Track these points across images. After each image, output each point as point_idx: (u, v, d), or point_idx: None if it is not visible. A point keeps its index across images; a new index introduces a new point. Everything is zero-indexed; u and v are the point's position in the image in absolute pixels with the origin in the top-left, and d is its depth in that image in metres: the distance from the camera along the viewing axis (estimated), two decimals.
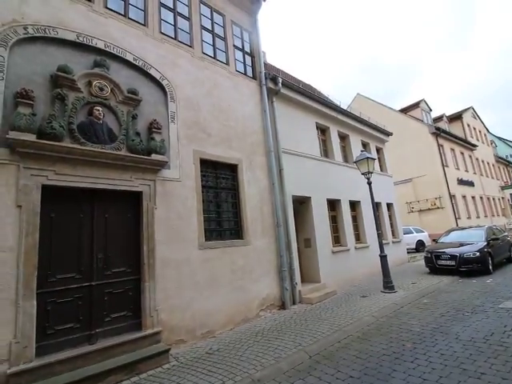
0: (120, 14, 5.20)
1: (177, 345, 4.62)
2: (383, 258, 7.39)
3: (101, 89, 4.50)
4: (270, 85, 7.67)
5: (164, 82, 5.45)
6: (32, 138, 3.69)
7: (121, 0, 5.31)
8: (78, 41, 4.51)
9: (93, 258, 4.16)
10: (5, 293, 3.35)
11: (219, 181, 6.09)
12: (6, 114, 3.66)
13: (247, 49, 7.73)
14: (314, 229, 7.95)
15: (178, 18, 6.17)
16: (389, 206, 12.08)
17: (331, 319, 5.42)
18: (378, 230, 7.70)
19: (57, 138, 3.90)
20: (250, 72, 7.57)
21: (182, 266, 4.96)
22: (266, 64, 9.08)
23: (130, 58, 5.04)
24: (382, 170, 12.35)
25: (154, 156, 4.82)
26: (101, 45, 4.75)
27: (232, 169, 6.34)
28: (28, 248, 3.56)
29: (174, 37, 5.96)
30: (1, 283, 3.34)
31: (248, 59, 7.66)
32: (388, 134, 12.85)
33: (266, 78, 7.61)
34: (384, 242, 8.71)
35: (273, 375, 3.61)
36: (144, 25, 5.50)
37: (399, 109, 22.55)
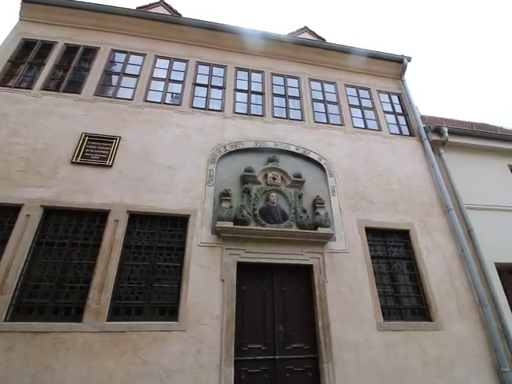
0: (283, 118, 6.49)
1: None
2: None
3: (274, 178, 5.46)
4: (434, 137, 6.91)
5: (322, 162, 6.00)
6: (230, 224, 4.78)
7: (283, 107, 6.68)
8: (256, 146, 5.87)
9: (274, 331, 4.45)
10: (213, 356, 4.01)
11: (390, 249, 5.51)
12: (215, 209, 4.99)
13: (398, 110, 7.56)
14: None
15: (328, 105, 7.00)
16: None
17: None
18: None
19: (246, 223, 4.89)
20: (405, 131, 7.20)
21: (361, 350, 4.44)
22: (423, 117, 8.43)
23: (293, 148, 6.00)
24: None
25: (319, 229, 5.07)
26: (271, 145, 5.96)
27: (403, 235, 5.66)
28: (228, 317, 4.26)
29: (326, 122, 6.71)
30: (210, 347, 4.05)
31: (401, 119, 7.40)
32: None
33: (426, 132, 6.98)
34: None
35: None
36: (301, 120, 6.56)
37: None
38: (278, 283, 4.79)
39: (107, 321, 3.91)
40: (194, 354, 3.93)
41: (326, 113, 6.86)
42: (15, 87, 5.60)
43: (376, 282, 5.03)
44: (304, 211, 5.29)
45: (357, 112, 7.12)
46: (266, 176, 5.48)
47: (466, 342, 4.88)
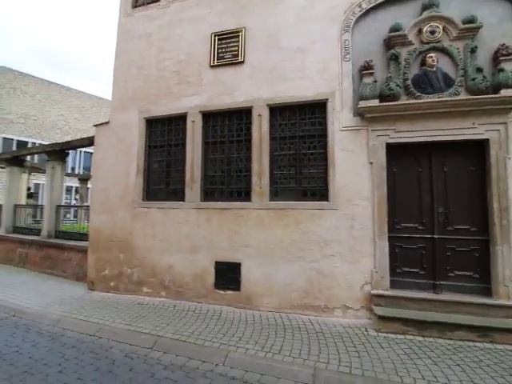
0: None
1: None
2: None
3: (432, 32, 4.16)
4: None
5: None
6: (375, 102, 4.21)
7: None
8: None
9: (433, 212, 4.18)
10: (366, 231, 4.25)
11: None
12: (355, 88, 4.44)
13: None
14: None
15: None
16: None
17: None
18: None
19: (394, 98, 4.19)
20: None
21: None
22: None
23: None
24: None
25: (503, 92, 3.81)
26: None
27: None
28: (379, 198, 4.23)
29: None
30: (363, 224, 4.27)
31: None
32: None
33: None
34: None
35: None
36: None
37: None
38: (437, 163, 4.21)
39: (269, 201, 4.66)
40: (348, 229, 4.28)
41: None
42: (147, 3, 5.96)
43: None
44: (479, 70, 3.98)
45: None
46: (419, 32, 4.23)
47: None
